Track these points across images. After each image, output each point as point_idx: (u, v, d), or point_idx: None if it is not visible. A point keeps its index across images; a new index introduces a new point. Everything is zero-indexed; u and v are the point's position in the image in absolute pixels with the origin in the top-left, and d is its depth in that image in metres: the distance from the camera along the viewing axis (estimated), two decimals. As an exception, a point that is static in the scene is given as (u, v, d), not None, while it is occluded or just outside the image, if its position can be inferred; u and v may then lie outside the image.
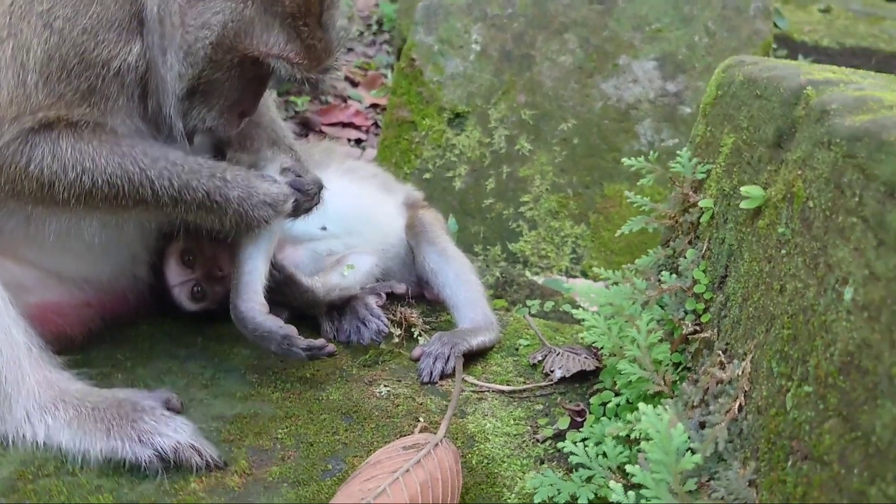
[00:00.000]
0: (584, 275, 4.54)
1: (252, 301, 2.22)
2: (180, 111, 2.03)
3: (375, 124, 7.51)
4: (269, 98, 2.53)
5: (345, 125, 7.30)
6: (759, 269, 1.64)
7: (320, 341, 2.22)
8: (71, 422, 1.84)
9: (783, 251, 1.50)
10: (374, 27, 9.16)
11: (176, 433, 1.83)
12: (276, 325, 2.20)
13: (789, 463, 1.27)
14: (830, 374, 1.17)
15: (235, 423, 2.06)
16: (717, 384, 1.72)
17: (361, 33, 8.90)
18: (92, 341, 2.29)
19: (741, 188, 1.78)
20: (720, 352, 1.76)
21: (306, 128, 6.81)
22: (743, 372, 1.57)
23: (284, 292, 2.35)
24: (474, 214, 4.71)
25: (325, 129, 7.11)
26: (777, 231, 1.55)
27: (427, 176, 4.76)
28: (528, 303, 3.29)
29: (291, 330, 2.20)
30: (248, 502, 1.79)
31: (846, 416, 1.10)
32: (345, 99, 7.64)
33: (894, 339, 1.02)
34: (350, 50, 8.48)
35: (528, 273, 4.38)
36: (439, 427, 1.97)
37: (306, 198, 2.20)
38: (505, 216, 4.65)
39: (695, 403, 1.80)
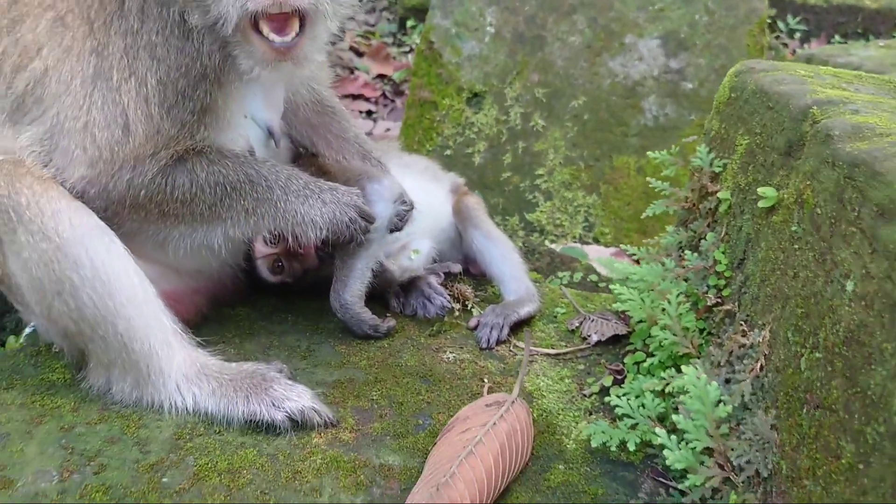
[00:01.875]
0: (596, 241, 4.96)
1: (355, 296, 2.72)
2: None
3: (384, 95, 7.77)
4: (350, 115, 2.91)
5: (354, 97, 7.46)
6: (774, 257, 2.05)
7: (391, 322, 2.79)
8: (215, 391, 2.25)
9: (796, 246, 1.91)
10: (372, -8, 9.18)
11: (300, 398, 2.25)
12: (368, 315, 2.75)
13: (804, 411, 1.69)
14: (836, 345, 1.59)
15: (337, 388, 2.47)
16: (740, 348, 2.14)
17: (360, -1, 9.05)
18: (202, 322, 2.68)
19: (758, 189, 2.18)
20: (742, 322, 2.18)
21: (317, 102, 6.95)
22: (763, 339, 1.99)
23: None
24: (493, 187, 5.09)
25: (335, 102, 7.22)
26: (790, 228, 1.95)
27: (448, 153, 5.13)
28: (560, 274, 3.70)
29: (377, 319, 2.75)
30: (360, 453, 2.21)
31: (849, 377, 1.52)
32: (352, 70, 7.80)
33: (884, 322, 1.43)
34: (351, 18, 8.68)
35: (546, 242, 4.79)
36: (510, 388, 2.40)
37: (399, 221, 2.62)
38: (522, 188, 5.04)
39: (721, 363, 2.23)
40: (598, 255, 4.79)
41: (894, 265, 1.44)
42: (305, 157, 2.87)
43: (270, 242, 2.79)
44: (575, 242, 4.94)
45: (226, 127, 2.38)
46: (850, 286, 1.58)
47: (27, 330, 2.61)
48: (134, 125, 2.21)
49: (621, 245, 4.26)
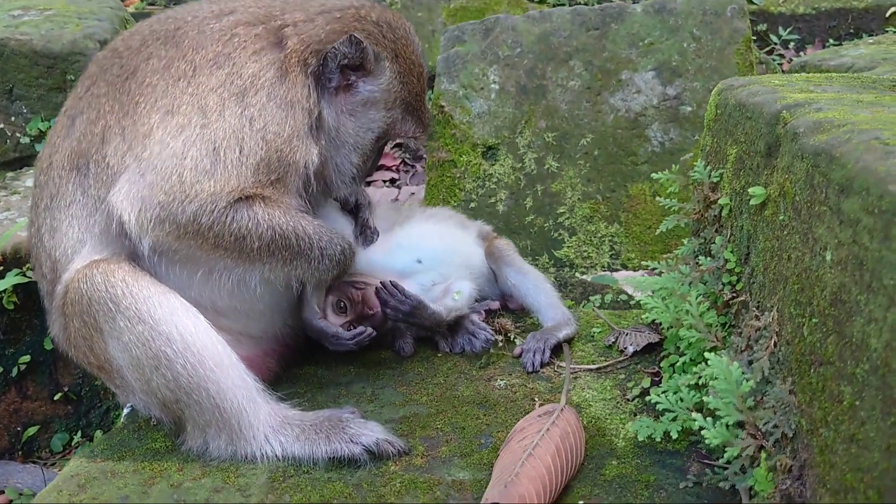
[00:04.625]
0: (624, 267, 5.22)
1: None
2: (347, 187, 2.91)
3: (403, 162, 8.16)
4: None
5: (377, 168, 7.87)
6: (771, 246, 2.32)
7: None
8: (298, 437, 2.54)
9: (785, 232, 2.18)
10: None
11: (374, 432, 2.53)
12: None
13: (811, 370, 1.94)
14: (825, 307, 1.85)
15: (404, 422, 2.75)
16: (756, 331, 2.40)
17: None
18: (275, 381, 2.99)
19: (749, 189, 2.46)
20: (754, 308, 2.43)
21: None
22: (773, 319, 2.25)
23: (416, 315, 3.05)
24: (519, 231, 5.39)
25: (361, 175, 7.59)
26: (779, 218, 2.23)
27: (472, 205, 5.46)
28: (591, 298, 3.97)
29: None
30: (433, 473, 2.48)
31: (838, 332, 1.77)
32: (373, 145, 8.17)
33: (856, 278, 1.70)
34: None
35: (577, 274, 5.06)
36: (557, 400, 2.67)
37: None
38: (546, 228, 5.34)
39: (742, 349, 2.48)
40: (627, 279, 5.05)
41: (857, 230, 1.71)
42: None
43: (340, 311, 3.09)
44: (604, 271, 5.20)
45: (291, 191, 2.73)
46: (828, 256, 1.85)
47: (125, 410, 2.93)
48: (221, 172, 2.53)
49: (643, 263, 4.53)
